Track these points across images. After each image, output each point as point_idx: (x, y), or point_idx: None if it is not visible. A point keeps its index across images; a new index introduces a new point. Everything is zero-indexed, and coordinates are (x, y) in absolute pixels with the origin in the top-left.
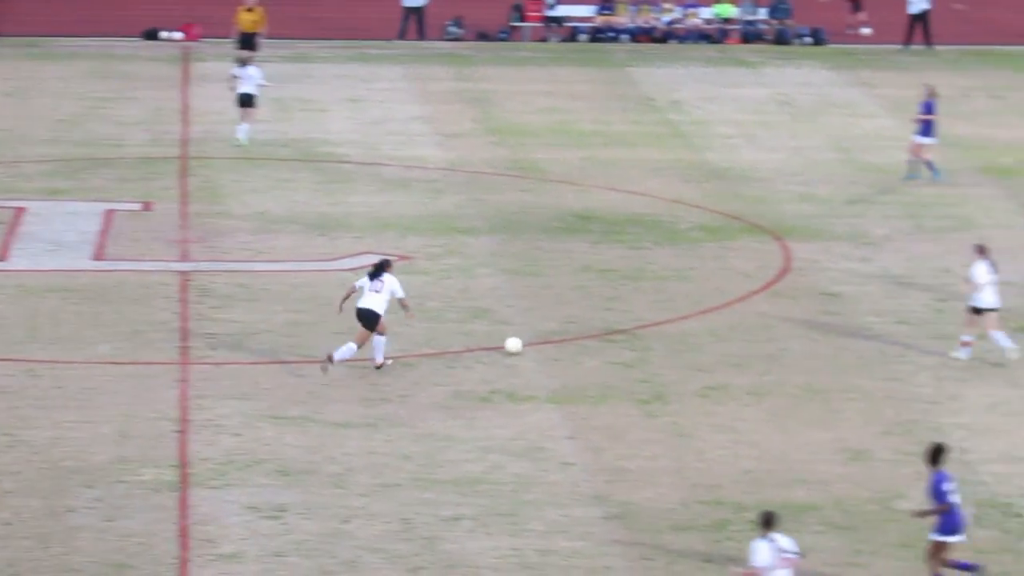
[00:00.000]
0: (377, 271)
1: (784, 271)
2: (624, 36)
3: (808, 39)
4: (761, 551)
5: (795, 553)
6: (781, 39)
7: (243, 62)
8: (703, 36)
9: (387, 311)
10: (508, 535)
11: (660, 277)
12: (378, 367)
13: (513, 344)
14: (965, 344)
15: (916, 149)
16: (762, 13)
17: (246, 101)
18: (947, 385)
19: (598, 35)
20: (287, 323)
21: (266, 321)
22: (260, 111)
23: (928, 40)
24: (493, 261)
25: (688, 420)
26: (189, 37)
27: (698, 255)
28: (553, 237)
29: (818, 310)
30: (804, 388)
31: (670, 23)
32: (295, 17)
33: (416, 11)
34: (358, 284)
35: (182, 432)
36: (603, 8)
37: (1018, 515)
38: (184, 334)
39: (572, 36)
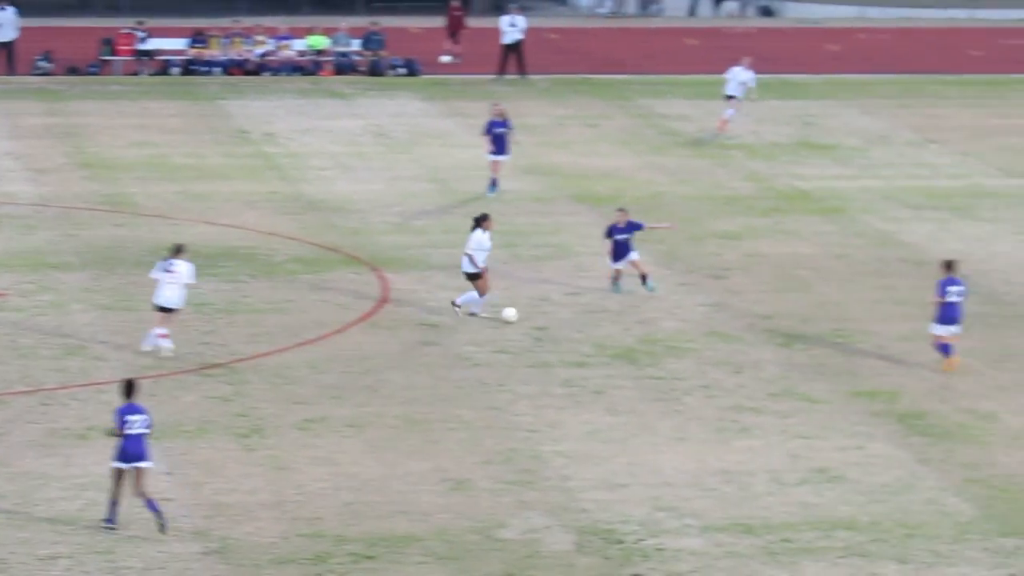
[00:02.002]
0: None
1: (382, 302)
2: (217, 69)
3: (402, 70)
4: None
5: None
6: (375, 70)
7: None
8: (297, 68)
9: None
10: (105, 573)
11: (257, 310)
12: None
13: (509, 313)
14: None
15: (495, 167)
16: (355, 45)
17: None
18: (546, 413)
19: (191, 68)
20: None
21: None
22: None
23: (522, 70)
24: (87, 296)
25: (287, 453)
26: None
27: (295, 287)
28: (147, 271)
29: (417, 340)
30: (404, 419)
31: (263, 55)
32: None
33: (5, 45)
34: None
35: None
36: (195, 41)
37: (620, 541)
38: None
39: (164, 70)
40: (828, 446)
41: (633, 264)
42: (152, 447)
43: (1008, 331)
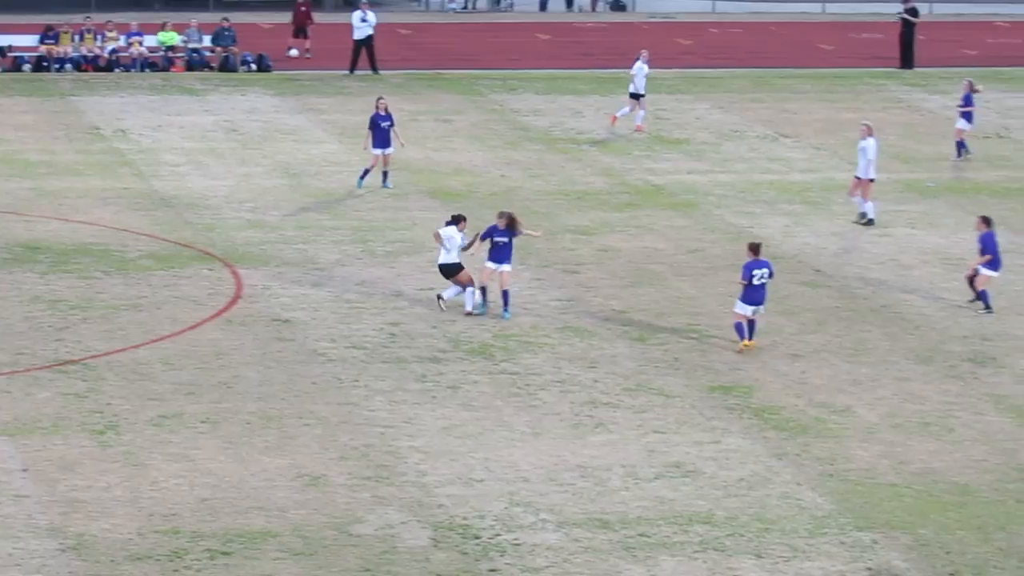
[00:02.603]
0: None
1: (236, 298)
2: (68, 65)
3: (253, 66)
4: None
5: None
6: (226, 66)
7: None
8: (148, 64)
9: None
10: None
11: (111, 307)
12: None
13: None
14: None
15: (385, 160)
16: (207, 41)
17: None
18: (402, 408)
19: (42, 64)
20: None
21: None
22: None
23: (374, 65)
24: None
25: (142, 449)
26: None
27: (149, 284)
28: (1, 269)
29: (271, 336)
30: (259, 415)
31: (114, 52)
32: None
33: None
34: None
35: None
36: (46, 37)
37: (476, 537)
38: None
39: (16, 66)
40: (684, 441)
41: (502, 275)
42: (7, 444)
43: (863, 325)
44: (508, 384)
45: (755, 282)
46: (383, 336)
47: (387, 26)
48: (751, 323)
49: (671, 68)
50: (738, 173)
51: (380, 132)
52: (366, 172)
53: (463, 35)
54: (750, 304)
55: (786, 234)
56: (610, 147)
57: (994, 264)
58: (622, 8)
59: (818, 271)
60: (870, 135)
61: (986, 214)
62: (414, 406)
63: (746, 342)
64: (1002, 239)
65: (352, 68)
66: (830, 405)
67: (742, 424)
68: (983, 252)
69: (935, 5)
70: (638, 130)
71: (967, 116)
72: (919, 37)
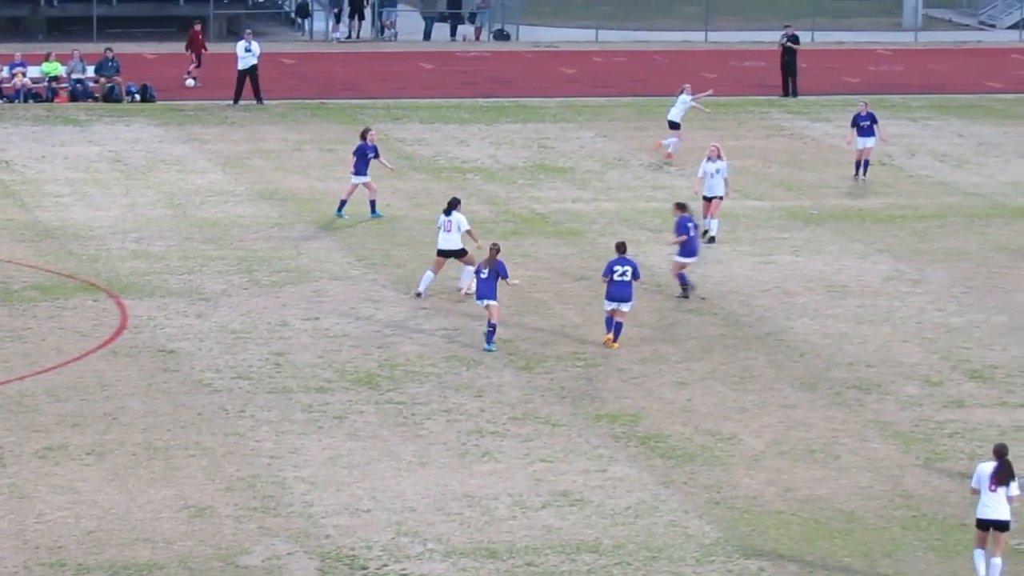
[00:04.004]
0: None
1: (121, 329)
2: None
3: (137, 96)
4: None
5: None
6: (110, 97)
7: None
8: (32, 95)
9: None
10: None
11: None
12: None
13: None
14: None
15: (369, 188)
16: (90, 71)
17: None
18: (288, 439)
19: None
20: None
21: None
22: None
23: (258, 95)
24: None
25: (27, 482)
26: None
27: (33, 315)
28: None
29: (157, 367)
30: (144, 446)
31: None
32: None
33: None
34: None
35: None
36: None
37: (364, 567)
38: None
39: None
40: (571, 469)
41: (489, 309)
42: None
43: (747, 352)
44: (394, 414)
45: (615, 278)
46: (269, 366)
47: (271, 55)
48: (617, 325)
49: (555, 97)
50: (622, 201)
51: (363, 162)
52: (343, 203)
53: (347, 64)
54: (610, 300)
55: (671, 262)
56: (494, 176)
57: (688, 250)
58: (506, 37)
59: (703, 299)
60: (719, 157)
61: (682, 202)
62: (300, 436)
63: (608, 336)
64: (885, 266)
65: (236, 98)
66: (716, 432)
67: (628, 452)
68: (677, 234)
69: (817, 33)
70: (668, 156)
71: (868, 132)
72: (801, 65)
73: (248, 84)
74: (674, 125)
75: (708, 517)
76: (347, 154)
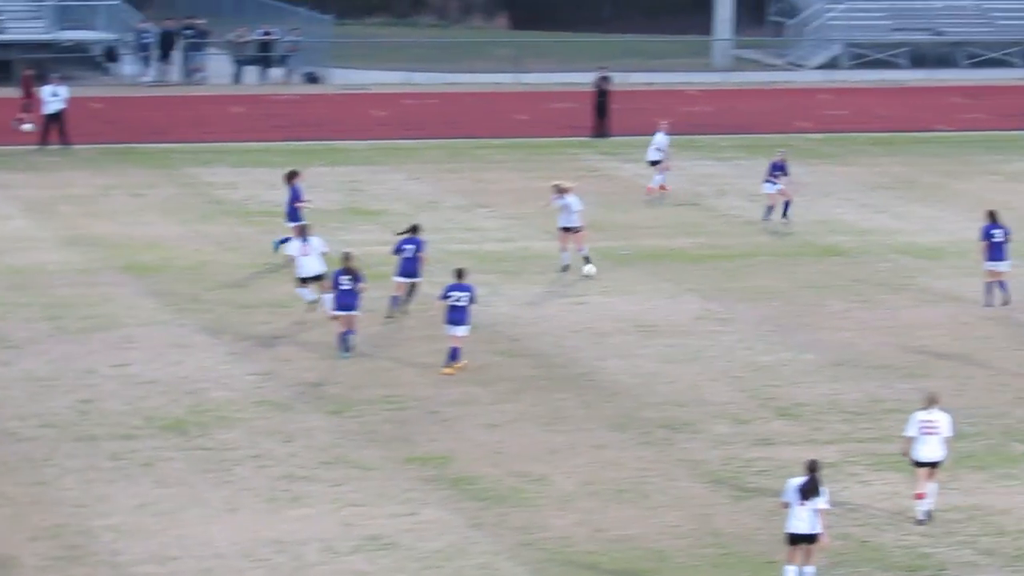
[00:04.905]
0: None
1: None
2: None
3: None
4: None
5: None
6: None
7: None
8: None
9: None
10: None
11: None
12: None
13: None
14: None
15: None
16: None
17: None
18: (95, 487)
19: None
20: None
21: None
22: None
23: (65, 140)
24: None
25: None
26: None
27: None
28: None
29: None
30: None
31: None
32: None
33: None
34: None
35: None
36: None
37: None
38: None
39: None
40: (381, 513)
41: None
42: None
43: (559, 393)
44: (203, 460)
45: (451, 303)
46: (75, 414)
47: (79, 100)
48: (453, 349)
49: (365, 140)
50: (434, 243)
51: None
52: (285, 239)
53: (156, 108)
54: (451, 324)
55: (482, 304)
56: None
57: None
58: (315, 80)
59: (515, 340)
60: (567, 192)
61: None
62: (107, 484)
63: (445, 368)
64: (694, 305)
65: (43, 143)
66: (527, 474)
67: (439, 495)
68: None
69: (627, 74)
70: (650, 191)
71: (772, 182)
72: (612, 106)
73: (54, 128)
74: (654, 163)
75: (519, 559)
76: (156, 199)
